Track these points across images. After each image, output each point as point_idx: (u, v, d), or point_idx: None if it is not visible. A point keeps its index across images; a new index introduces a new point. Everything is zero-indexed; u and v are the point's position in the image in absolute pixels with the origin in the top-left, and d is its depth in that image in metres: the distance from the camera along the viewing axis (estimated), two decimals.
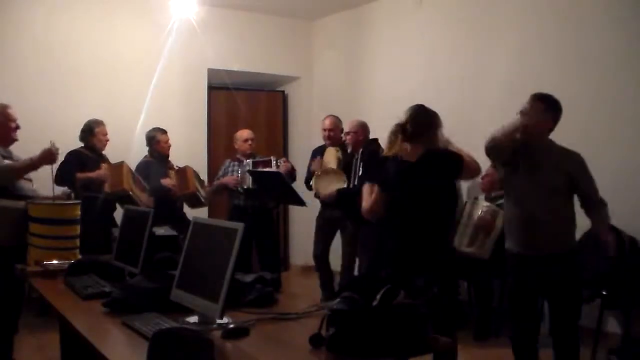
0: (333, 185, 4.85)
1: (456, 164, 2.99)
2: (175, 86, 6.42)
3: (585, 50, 4.65)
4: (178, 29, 6.22)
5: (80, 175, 4.72)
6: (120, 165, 4.84)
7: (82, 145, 4.95)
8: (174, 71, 6.34)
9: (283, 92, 7.60)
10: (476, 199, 4.65)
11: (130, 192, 4.75)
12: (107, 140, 5.02)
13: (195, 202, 5.29)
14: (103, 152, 5.05)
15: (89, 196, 4.62)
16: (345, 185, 4.78)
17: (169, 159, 5.45)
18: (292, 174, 5.24)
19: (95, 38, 5.93)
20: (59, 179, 4.50)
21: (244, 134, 5.46)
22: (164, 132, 5.39)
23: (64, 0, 5.82)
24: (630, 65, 4.38)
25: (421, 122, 3.02)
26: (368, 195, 3.06)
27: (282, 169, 5.09)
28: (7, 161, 3.54)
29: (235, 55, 6.68)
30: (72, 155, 4.82)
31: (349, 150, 4.98)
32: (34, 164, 3.51)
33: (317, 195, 5.05)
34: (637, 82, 4.34)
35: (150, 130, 5.41)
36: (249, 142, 5.40)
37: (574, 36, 4.72)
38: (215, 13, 6.45)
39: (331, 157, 5.06)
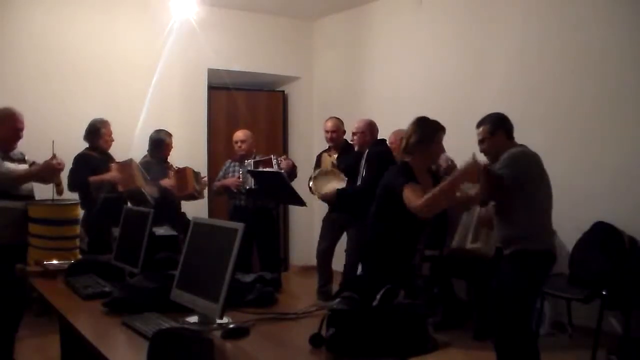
0: (332, 184, 4.85)
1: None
2: (175, 86, 6.42)
3: (585, 50, 4.64)
4: (178, 29, 6.21)
5: (93, 178, 4.69)
6: (129, 162, 4.83)
7: (87, 146, 4.92)
8: (174, 71, 6.34)
9: (283, 92, 7.60)
10: None
11: (142, 189, 4.76)
12: (113, 140, 4.99)
13: (192, 199, 5.36)
14: (109, 151, 5.04)
15: (109, 197, 4.65)
16: (344, 185, 4.78)
17: (168, 159, 5.44)
18: (293, 170, 5.24)
19: (95, 38, 5.93)
20: (72, 186, 4.51)
21: (235, 135, 5.43)
22: (171, 135, 5.38)
23: (64, 0, 5.82)
24: (631, 64, 4.38)
25: (414, 138, 3.12)
26: (417, 195, 2.94)
27: (283, 166, 5.08)
28: (7, 163, 3.54)
29: (235, 55, 6.68)
30: (80, 159, 4.77)
31: (356, 149, 4.98)
32: (34, 176, 3.52)
33: (313, 193, 5.06)
34: (637, 82, 4.34)
35: (159, 134, 5.33)
36: (239, 144, 5.34)
37: (575, 36, 4.72)
38: (215, 13, 6.45)
39: (327, 163, 5.16)
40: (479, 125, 3.27)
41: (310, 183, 4.98)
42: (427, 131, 3.14)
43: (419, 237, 3.28)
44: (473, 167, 2.86)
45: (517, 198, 3.05)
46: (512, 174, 3.00)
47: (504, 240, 3.17)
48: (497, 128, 3.18)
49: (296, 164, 5.41)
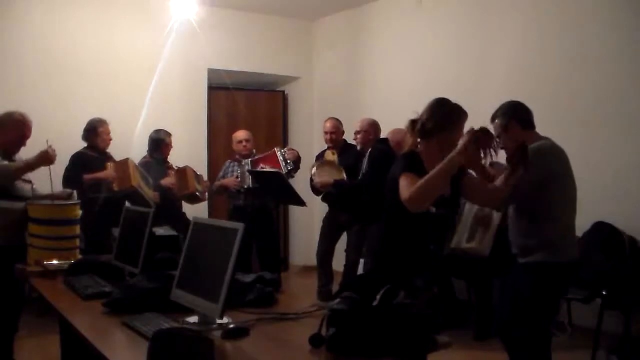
0: (331, 176, 4.87)
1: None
2: (175, 86, 6.42)
3: (585, 50, 4.65)
4: (178, 29, 6.22)
5: (87, 176, 4.70)
6: (125, 161, 4.83)
7: (85, 145, 4.94)
8: (174, 71, 6.34)
9: (283, 92, 7.60)
10: None
11: (138, 189, 4.75)
12: (110, 140, 5.01)
13: (194, 200, 5.36)
14: (107, 151, 5.05)
15: (109, 197, 4.66)
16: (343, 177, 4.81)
17: (167, 158, 5.45)
18: (298, 161, 5.28)
19: (96, 38, 5.93)
20: (66, 183, 4.51)
21: (238, 135, 5.45)
22: (170, 135, 5.39)
23: (64, 0, 5.83)
24: (631, 65, 4.38)
25: (431, 124, 2.58)
26: (410, 185, 2.44)
27: (289, 157, 5.10)
28: (5, 162, 3.53)
29: (235, 55, 6.68)
30: (76, 157, 4.80)
31: (358, 148, 4.98)
32: (31, 166, 3.51)
33: (314, 186, 5.05)
34: (637, 82, 4.34)
35: (158, 133, 5.35)
36: (243, 143, 5.37)
37: (574, 35, 4.72)
38: (215, 13, 6.45)
39: (329, 160, 5.16)
40: (492, 119, 2.88)
41: (313, 169, 4.99)
42: (448, 116, 2.60)
43: (430, 234, 2.77)
44: (471, 145, 2.38)
45: (540, 200, 2.70)
46: (535, 172, 2.61)
47: (522, 248, 2.79)
48: (508, 120, 2.81)
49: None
